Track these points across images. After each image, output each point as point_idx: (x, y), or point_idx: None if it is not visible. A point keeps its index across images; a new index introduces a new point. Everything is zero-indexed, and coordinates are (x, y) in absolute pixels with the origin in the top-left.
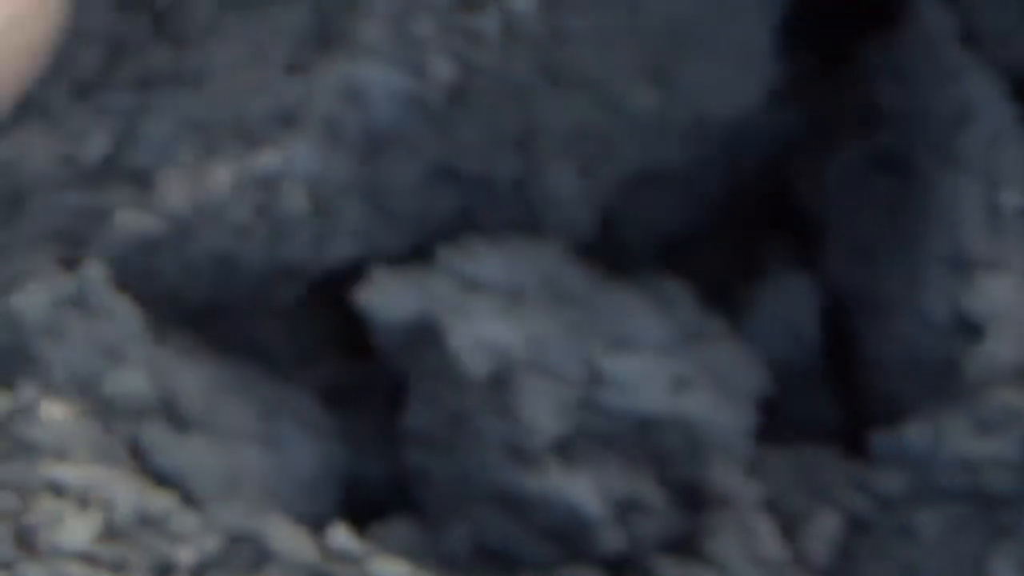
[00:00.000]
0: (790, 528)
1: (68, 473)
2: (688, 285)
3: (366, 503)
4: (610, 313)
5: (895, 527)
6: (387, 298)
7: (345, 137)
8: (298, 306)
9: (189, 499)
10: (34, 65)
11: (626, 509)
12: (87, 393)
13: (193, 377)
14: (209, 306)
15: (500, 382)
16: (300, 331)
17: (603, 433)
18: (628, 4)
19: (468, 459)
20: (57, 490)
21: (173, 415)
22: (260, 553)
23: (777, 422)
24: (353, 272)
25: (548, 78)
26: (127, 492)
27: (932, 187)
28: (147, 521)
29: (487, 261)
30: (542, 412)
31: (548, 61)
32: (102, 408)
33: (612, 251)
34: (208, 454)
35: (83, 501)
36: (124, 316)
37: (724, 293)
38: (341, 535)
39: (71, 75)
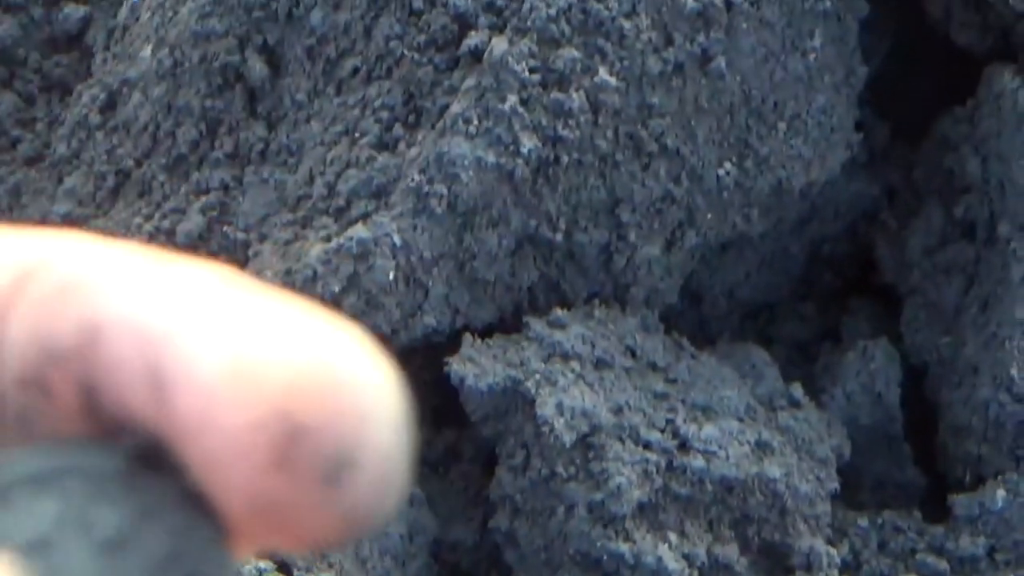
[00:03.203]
0: None
1: None
2: (770, 352)
3: (455, 570)
4: (694, 381)
5: None
6: (477, 367)
7: (434, 211)
8: None
9: (283, 566)
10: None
11: (710, 572)
12: None
13: None
14: None
15: (587, 449)
16: None
17: (687, 498)
18: (709, 79)
19: (556, 524)
20: None
21: None
22: None
23: (858, 486)
24: (442, 341)
25: (632, 151)
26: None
27: (1012, 255)
28: None
29: (574, 331)
30: (628, 478)
31: (632, 135)
32: None
33: (695, 320)
34: None
35: None
36: None
37: (806, 360)
38: None
39: (167, 152)
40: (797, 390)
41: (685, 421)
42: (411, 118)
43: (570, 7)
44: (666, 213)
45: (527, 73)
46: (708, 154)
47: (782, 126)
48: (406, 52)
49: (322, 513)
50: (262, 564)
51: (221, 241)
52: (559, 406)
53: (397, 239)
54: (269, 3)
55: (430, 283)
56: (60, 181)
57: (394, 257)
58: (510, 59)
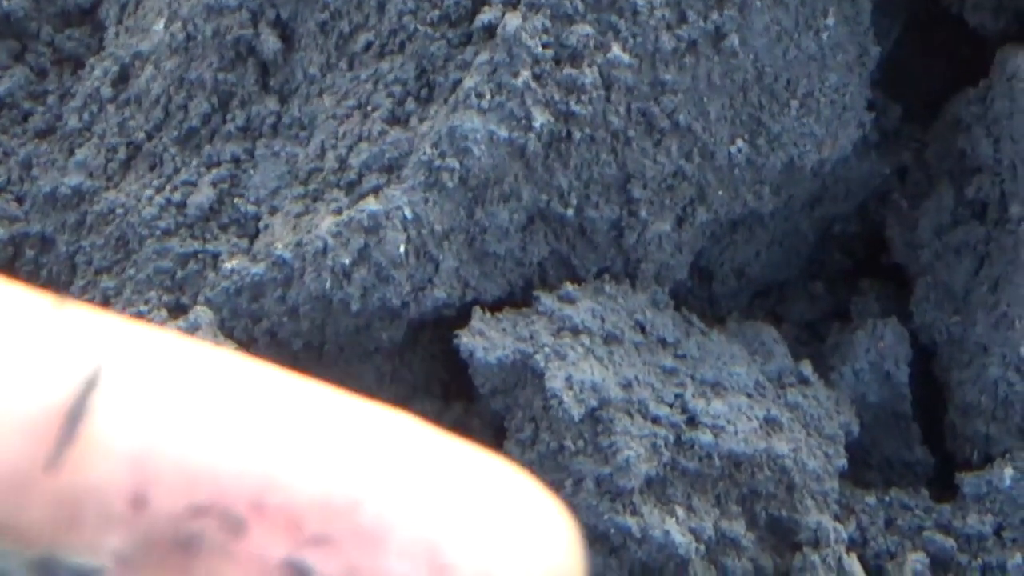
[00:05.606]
0: (879, 568)
1: None
2: (779, 331)
3: None
4: (703, 357)
5: (982, 567)
6: (487, 341)
7: (445, 185)
8: (397, 348)
9: None
10: None
11: (717, 548)
12: None
13: None
14: (311, 348)
15: (596, 423)
16: (399, 373)
17: (695, 472)
18: (722, 56)
19: (563, 498)
20: None
21: None
22: None
23: (866, 464)
24: (452, 315)
25: (644, 127)
26: None
27: (1023, 235)
28: None
29: (584, 306)
30: (636, 452)
31: (644, 111)
32: None
33: (705, 297)
34: None
35: None
36: None
37: (815, 339)
38: None
39: (179, 125)
40: (806, 368)
41: (694, 396)
42: (423, 93)
43: None
44: (677, 190)
45: (540, 48)
46: (720, 131)
47: (794, 104)
48: (419, 27)
49: None
50: None
51: (232, 214)
52: (568, 380)
53: (408, 212)
54: None
55: (441, 257)
56: (71, 153)
57: (405, 230)
58: (523, 34)
